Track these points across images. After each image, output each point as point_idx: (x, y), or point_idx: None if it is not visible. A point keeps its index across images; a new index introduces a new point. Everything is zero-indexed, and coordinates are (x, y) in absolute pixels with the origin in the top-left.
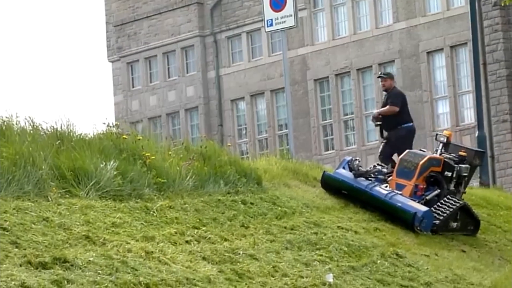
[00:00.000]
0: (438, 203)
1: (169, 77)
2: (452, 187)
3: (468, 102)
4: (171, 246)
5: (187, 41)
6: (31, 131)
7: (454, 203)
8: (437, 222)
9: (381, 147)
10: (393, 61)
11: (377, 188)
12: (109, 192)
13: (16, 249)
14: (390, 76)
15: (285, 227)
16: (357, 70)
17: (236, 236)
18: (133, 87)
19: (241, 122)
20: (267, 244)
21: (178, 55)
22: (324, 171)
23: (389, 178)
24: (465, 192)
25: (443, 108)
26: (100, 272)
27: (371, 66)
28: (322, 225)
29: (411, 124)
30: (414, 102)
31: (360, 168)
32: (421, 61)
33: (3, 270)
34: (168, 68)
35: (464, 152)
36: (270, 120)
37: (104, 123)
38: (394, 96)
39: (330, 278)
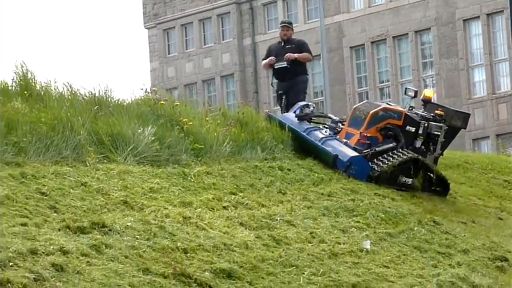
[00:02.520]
0: (385, 155)
1: (205, 44)
2: (418, 144)
3: (504, 70)
4: (208, 211)
5: (223, 8)
6: (70, 97)
7: (401, 155)
8: (377, 171)
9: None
10: (429, 28)
11: (316, 132)
12: (147, 157)
13: (55, 214)
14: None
15: (322, 194)
16: (393, 37)
17: (273, 202)
18: (169, 53)
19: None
20: (304, 210)
21: (214, 22)
22: (267, 112)
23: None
24: (442, 154)
25: (479, 76)
26: (138, 237)
27: (407, 34)
28: (359, 191)
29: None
30: (450, 70)
31: (312, 113)
32: (457, 28)
33: (42, 234)
34: (204, 35)
35: (441, 110)
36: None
37: (142, 89)
38: (307, 45)
39: (367, 244)
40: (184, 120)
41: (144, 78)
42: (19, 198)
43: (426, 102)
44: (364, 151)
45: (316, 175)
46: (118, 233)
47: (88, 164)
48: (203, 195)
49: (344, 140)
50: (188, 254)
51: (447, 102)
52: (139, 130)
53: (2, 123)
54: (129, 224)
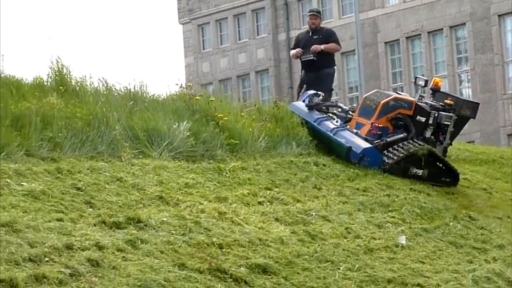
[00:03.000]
0: (396, 146)
1: (239, 39)
2: (428, 135)
3: None
4: (243, 207)
5: (258, 3)
6: (105, 92)
7: (414, 147)
8: (389, 162)
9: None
10: (464, 24)
11: (327, 122)
12: (182, 153)
13: (90, 209)
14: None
15: (357, 189)
16: (428, 32)
17: (309, 197)
18: (203, 49)
19: None
20: (339, 205)
21: (248, 17)
22: (275, 101)
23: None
24: (451, 144)
25: None
26: (173, 232)
27: (442, 29)
28: (394, 187)
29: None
30: (485, 65)
31: (321, 103)
32: (492, 24)
33: (77, 229)
34: (239, 30)
35: (450, 100)
36: (340, 82)
37: (177, 84)
38: (335, 35)
39: (402, 240)
40: (219, 115)
41: (178, 74)
42: (54, 193)
43: (435, 91)
44: (375, 141)
45: (352, 170)
46: (154, 228)
47: (123, 159)
48: (238, 190)
49: (355, 130)
50: (224, 249)
51: (482, 97)
52: (175, 126)
53: (38, 119)
54: (164, 219)
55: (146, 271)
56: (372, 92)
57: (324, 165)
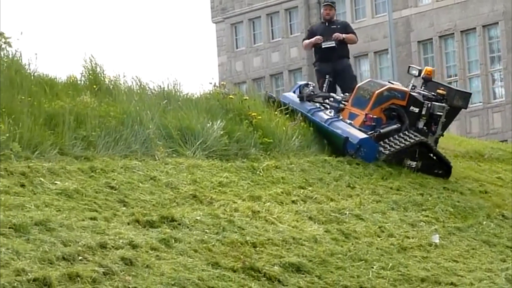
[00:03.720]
0: (393, 136)
1: (272, 38)
2: (421, 125)
3: None
4: (277, 205)
5: (291, 2)
6: (138, 91)
7: (410, 138)
8: (385, 154)
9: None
10: (497, 23)
11: (320, 113)
12: (216, 151)
13: (124, 208)
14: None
15: (390, 188)
16: (461, 32)
17: (342, 196)
18: (237, 48)
19: None
20: (373, 204)
21: (282, 16)
22: (266, 92)
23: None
24: (442, 135)
25: None
26: (207, 231)
27: (474, 28)
28: (427, 186)
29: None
30: None
31: (312, 93)
32: None
33: (111, 228)
34: (272, 29)
35: (443, 90)
36: None
37: (210, 83)
38: (351, 27)
39: (436, 239)
40: (253, 114)
41: (212, 73)
42: (88, 192)
43: (427, 80)
44: (369, 132)
45: (385, 169)
46: (187, 227)
47: (157, 158)
48: (272, 189)
49: (349, 121)
50: (257, 248)
51: None
52: (208, 124)
53: (71, 117)
54: (198, 218)
55: (180, 270)
56: (365, 81)
57: (357, 164)
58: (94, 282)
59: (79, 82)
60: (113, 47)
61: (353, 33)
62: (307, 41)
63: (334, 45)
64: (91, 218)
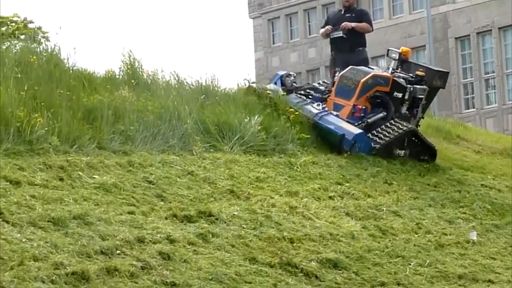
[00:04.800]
0: (380, 127)
1: (309, 34)
2: (404, 110)
3: None
4: (314, 201)
5: None
6: (176, 86)
7: (399, 128)
8: (377, 146)
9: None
10: None
11: (308, 107)
12: (253, 147)
13: (162, 202)
14: None
15: (428, 184)
16: (499, 28)
17: (379, 192)
18: (273, 43)
19: None
20: (410, 201)
21: (319, 12)
22: (249, 85)
23: (328, 97)
24: (423, 117)
25: None
26: (244, 226)
27: None
28: (465, 182)
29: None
30: None
31: (294, 84)
32: None
33: (149, 223)
34: (309, 25)
35: (422, 71)
36: None
37: (245, 80)
38: (368, 15)
39: (473, 236)
40: (290, 109)
41: (249, 68)
42: (126, 186)
43: (403, 61)
44: (356, 124)
45: (422, 165)
46: (225, 222)
47: (194, 153)
48: (309, 185)
49: (335, 113)
50: (294, 244)
51: None
52: (246, 120)
53: (110, 112)
54: (235, 213)
55: (217, 265)
56: (347, 69)
57: (394, 160)
58: (132, 276)
59: (117, 76)
60: (152, 42)
61: (368, 21)
62: (321, 30)
63: (341, 35)
64: (129, 213)
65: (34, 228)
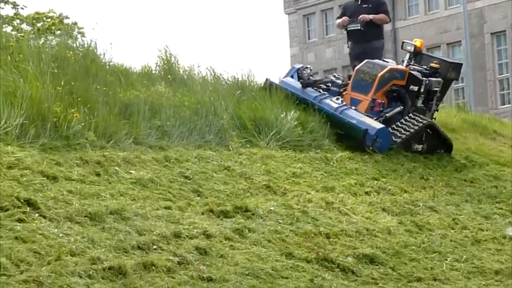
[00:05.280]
0: (400, 122)
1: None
2: (420, 103)
3: None
4: (351, 196)
5: None
6: (213, 81)
7: (418, 122)
8: (397, 141)
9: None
10: None
11: (327, 100)
12: (289, 142)
13: (198, 198)
14: None
15: (464, 180)
16: None
17: (416, 188)
18: (309, 39)
19: None
20: (446, 196)
21: None
22: (267, 79)
23: (344, 92)
24: (437, 110)
25: None
26: (281, 221)
27: None
28: (502, 178)
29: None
30: None
31: (311, 77)
32: None
33: (185, 218)
34: None
35: (436, 63)
36: None
37: (280, 78)
38: (385, 5)
39: (510, 231)
40: None
41: (284, 63)
42: (163, 181)
43: (417, 53)
44: (374, 118)
45: (459, 161)
46: (261, 218)
47: (231, 149)
48: (346, 180)
49: (353, 107)
50: (331, 239)
51: None
52: (282, 115)
53: (146, 107)
54: (272, 208)
55: (254, 260)
56: (363, 63)
57: (431, 155)
58: (168, 271)
59: (153, 72)
60: (188, 38)
61: (385, 12)
62: (338, 21)
63: (359, 27)
64: (165, 208)
65: (71, 223)
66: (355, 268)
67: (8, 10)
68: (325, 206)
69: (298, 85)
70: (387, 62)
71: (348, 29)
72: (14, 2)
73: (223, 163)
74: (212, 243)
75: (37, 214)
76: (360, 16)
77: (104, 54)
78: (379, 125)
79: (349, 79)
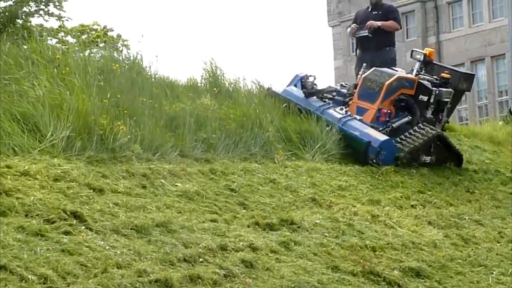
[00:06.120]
0: (407, 133)
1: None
2: (429, 114)
3: None
4: (396, 210)
5: (407, 6)
6: (258, 94)
7: (426, 133)
8: (402, 154)
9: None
10: None
11: (330, 111)
12: (335, 155)
13: (244, 210)
14: None
15: (510, 193)
16: None
17: (461, 201)
18: (352, 52)
19: None
20: (492, 209)
21: None
22: (269, 87)
23: (350, 101)
24: (448, 122)
25: None
26: (326, 234)
27: None
28: None
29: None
30: None
31: (314, 86)
32: None
33: (231, 230)
34: None
35: (447, 73)
36: (490, 86)
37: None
38: (396, 13)
39: None
40: None
41: (328, 76)
42: (208, 194)
43: (428, 63)
44: (381, 128)
45: (504, 174)
46: (307, 230)
47: (276, 161)
48: (391, 193)
49: (358, 117)
50: (377, 252)
51: None
52: (327, 128)
53: (192, 120)
54: (317, 221)
55: (300, 273)
56: (370, 71)
57: (476, 169)
58: (215, 284)
59: (199, 84)
60: (233, 51)
61: (395, 19)
62: (348, 29)
63: (366, 34)
64: (211, 220)
65: (117, 235)
66: (401, 281)
67: (53, 23)
68: (371, 219)
69: (301, 94)
70: (396, 70)
71: (357, 35)
72: (59, 15)
73: (268, 176)
74: (258, 256)
75: (83, 227)
76: (368, 22)
77: (150, 67)
78: (383, 137)
79: (355, 88)
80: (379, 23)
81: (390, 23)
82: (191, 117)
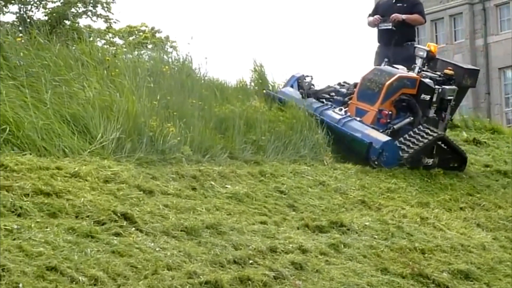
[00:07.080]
0: (408, 134)
1: (437, 44)
2: (432, 113)
3: None
4: (445, 212)
5: (455, 8)
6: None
7: (428, 135)
8: (405, 156)
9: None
10: None
11: (329, 112)
12: None
13: (294, 212)
14: None
15: None
16: None
17: (510, 203)
18: None
19: (508, 91)
20: None
21: (446, 22)
22: (264, 89)
23: (349, 101)
24: (451, 120)
25: None
26: (376, 237)
27: None
28: None
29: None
30: None
31: (312, 87)
32: None
33: (281, 232)
34: (436, 36)
35: (450, 70)
36: None
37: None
38: (421, 6)
39: None
40: None
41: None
42: (258, 196)
43: (431, 59)
44: (381, 130)
45: None
46: (356, 233)
47: (325, 163)
48: (440, 195)
49: (358, 119)
50: (426, 255)
51: None
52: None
53: (241, 122)
54: (367, 223)
55: (349, 275)
56: (370, 70)
57: None
58: (264, 286)
59: (248, 86)
60: (283, 53)
61: (420, 12)
62: (369, 19)
63: (390, 27)
64: (261, 222)
65: (168, 237)
66: (450, 283)
67: (100, 24)
68: (420, 222)
69: (298, 95)
70: (397, 69)
71: (379, 28)
72: (107, 16)
73: (318, 178)
74: (308, 258)
75: (133, 228)
76: (393, 15)
77: (199, 69)
78: (385, 138)
79: (355, 88)
80: (404, 16)
81: (415, 16)
82: (241, 119)
